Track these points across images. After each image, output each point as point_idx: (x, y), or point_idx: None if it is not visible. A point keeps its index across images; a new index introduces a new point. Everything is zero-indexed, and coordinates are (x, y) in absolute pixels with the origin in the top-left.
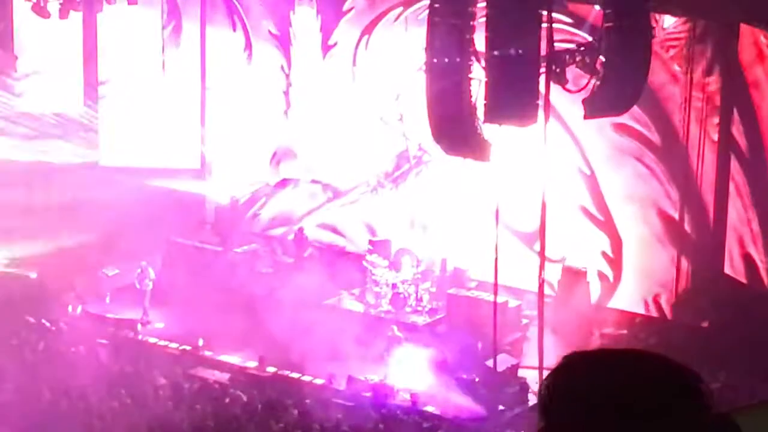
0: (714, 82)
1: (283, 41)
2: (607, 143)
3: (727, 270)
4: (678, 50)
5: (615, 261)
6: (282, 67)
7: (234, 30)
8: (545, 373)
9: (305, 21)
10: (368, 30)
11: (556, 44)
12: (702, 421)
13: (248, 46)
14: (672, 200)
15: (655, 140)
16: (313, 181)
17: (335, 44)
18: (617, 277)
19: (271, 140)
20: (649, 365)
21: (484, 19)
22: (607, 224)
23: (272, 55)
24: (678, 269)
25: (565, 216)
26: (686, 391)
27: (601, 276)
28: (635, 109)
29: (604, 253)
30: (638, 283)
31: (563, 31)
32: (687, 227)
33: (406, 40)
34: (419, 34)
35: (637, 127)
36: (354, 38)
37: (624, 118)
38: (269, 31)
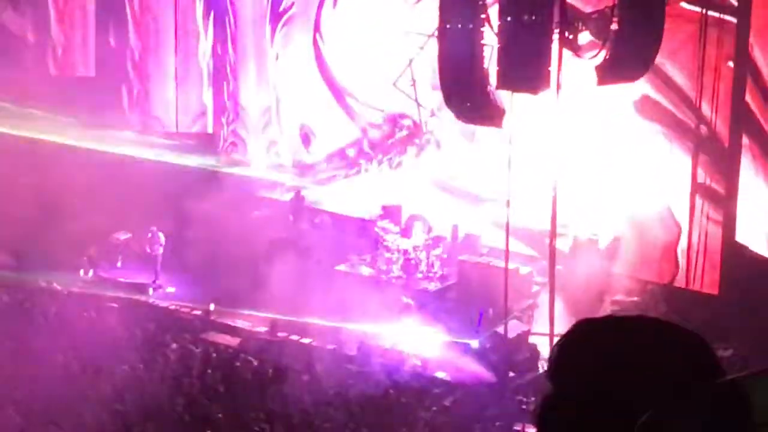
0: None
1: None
2: None
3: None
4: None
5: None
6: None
7: None
8: (556, 340)
9: None
10: None
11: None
12: (712, 386)
13: None
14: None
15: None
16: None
17: (291, 5)
18: None
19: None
20: (659, 331)
21: None
22: None
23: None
24: (690, 238)
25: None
26: (696, 358)
27: None
28: None
29: None
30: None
31: None
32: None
33: None
34: None
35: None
36: None
37: None
38: None
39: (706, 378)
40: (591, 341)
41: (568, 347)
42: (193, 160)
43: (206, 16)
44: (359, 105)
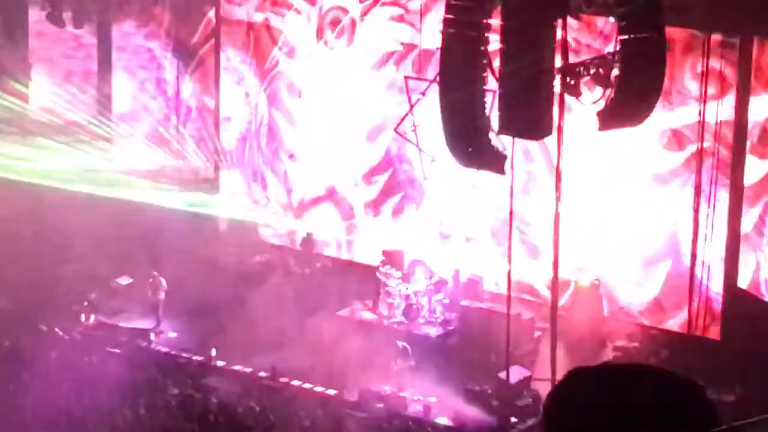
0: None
1: None
2: None
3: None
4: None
5: None
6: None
7: None
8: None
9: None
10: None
11: (570, 56)
12: None
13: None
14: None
15: None
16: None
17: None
18: None
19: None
20: (651, 380)
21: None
22: None
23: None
24: (692, 282)
25: None
26: (689, 405)
27: None
28: None
29: None
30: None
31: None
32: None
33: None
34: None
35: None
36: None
37: None
38: None
39: (703, 427)
40: (584, 391)
41: (561, 396)
42: (194, 204)
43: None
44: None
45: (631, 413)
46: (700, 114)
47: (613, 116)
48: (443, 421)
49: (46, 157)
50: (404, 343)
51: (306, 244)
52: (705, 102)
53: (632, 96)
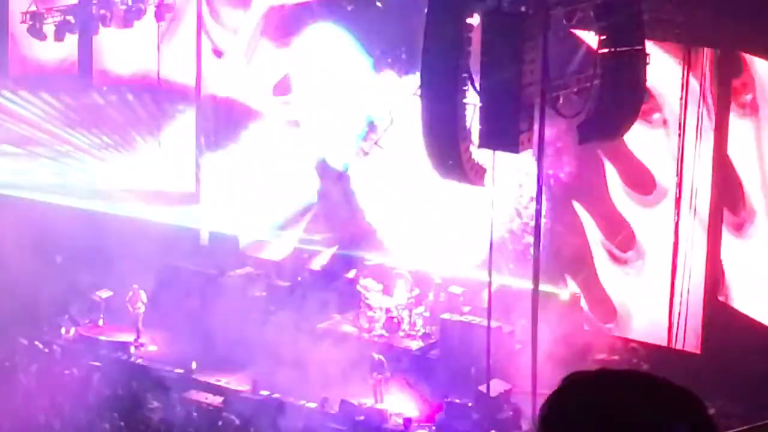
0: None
1: None
2: None
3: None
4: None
5: None
6: None
7: None
8: (539, 398)
9: None
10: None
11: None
12: None
13: None
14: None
15: None
16: None
17: None
18: None
19: None
20: (649, 387)
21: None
22: None
23: None
24: (672, 296)
25: None
26: (689, 414)
27: None
28: None
29: None
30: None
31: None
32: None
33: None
34: None
35: None
36: None
37: None
38: None
39: None
40: (582, 395)
41: (558, 400)
42: (176, 218)
43: None
44: None
45: (631, 421)
46: (680, 127)
47: (593, 129)
48: None
49: (29, 169)
50: (380, 356)
51: (290, 258)
52: (685, 117)
53: (612, 109)
